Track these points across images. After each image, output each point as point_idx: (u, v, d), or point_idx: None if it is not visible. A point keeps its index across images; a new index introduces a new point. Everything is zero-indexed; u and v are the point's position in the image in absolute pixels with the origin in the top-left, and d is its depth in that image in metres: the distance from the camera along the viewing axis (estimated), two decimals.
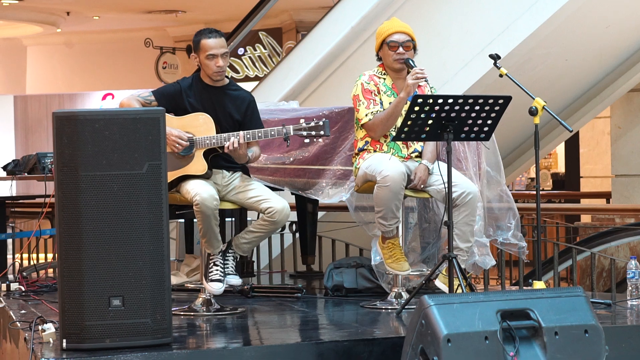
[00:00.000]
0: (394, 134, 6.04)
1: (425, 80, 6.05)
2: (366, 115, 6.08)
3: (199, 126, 5.90)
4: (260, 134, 5.84)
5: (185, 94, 5.98)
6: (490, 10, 8.26)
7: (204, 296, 5.97)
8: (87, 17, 17.22)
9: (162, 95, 5.97)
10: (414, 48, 6.15)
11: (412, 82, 5.94)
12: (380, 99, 6.12)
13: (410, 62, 6.07)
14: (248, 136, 5.83)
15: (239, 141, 5.79)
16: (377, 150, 6.11)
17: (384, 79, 6.18)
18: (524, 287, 6.94)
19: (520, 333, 4.57)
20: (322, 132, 5.84)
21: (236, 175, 6.03)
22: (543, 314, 4.60)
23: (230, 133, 5.84)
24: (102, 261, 4.76)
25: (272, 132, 5.84)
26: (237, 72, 16.94)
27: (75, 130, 4.77)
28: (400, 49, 6.09)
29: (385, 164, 5.90)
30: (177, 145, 5.83)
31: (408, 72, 6.04)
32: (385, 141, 6.12)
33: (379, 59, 6.23)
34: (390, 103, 6.07)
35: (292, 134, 5.83)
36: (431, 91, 6.24)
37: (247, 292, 6.65)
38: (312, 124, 5.84)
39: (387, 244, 6.05)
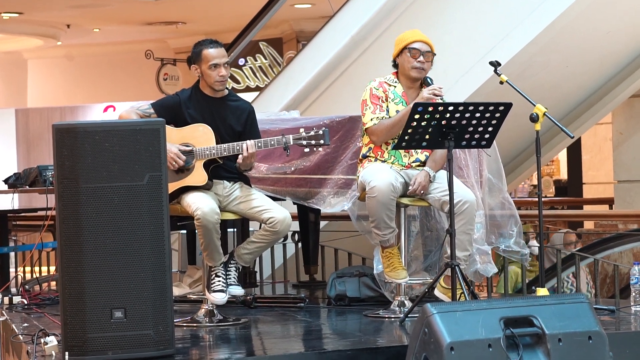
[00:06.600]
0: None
1: (441, 99, 6.01)
2: (371, 119, 6.09)
3: (198, 137, 5.89)
4: (260, 144, 5.84)
5: (185, 105, 5.97)
6: (490, 17, 8.25)
7: (207, 307, 5.96)
8: (88, 30, 17.24)
9: (161, 107, 5.96)
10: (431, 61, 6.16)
11: (427, 96, 5.93)
12: (387, 106, 6.11)
13: (429, 80, 6.08)
14: None
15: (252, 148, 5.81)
16: (378, 157, 6.11)
17: (395, 86, 6.18)
18: (527, 295, 6.93)
19: (523, 340, 4.56)
20: (321, 141, 5.84)
21: (237, 186, 6.01)
22: (546, 320, 4.59)
23: (236, 143, 5.83)
24: (104, 273, 4.76)
25: (272, 142, 5.84)
26: (237, 82, 16.94)
27: (75, 143, 4.77)
28: (421, 58, 6.09)
29: (375, 175, 5.90)
30: (173, 163, 5.79)
31: (422, 85, 6.10)
32: (386, 148, 6.12)
33: (395, 65, 6.22)
34: (397, 111, 6.07)
35: (291, 143, 5.83)
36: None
37: (249, 303, 6.64)
38: (312, 133, 5.83)
39: (386, 252, 6.05)
